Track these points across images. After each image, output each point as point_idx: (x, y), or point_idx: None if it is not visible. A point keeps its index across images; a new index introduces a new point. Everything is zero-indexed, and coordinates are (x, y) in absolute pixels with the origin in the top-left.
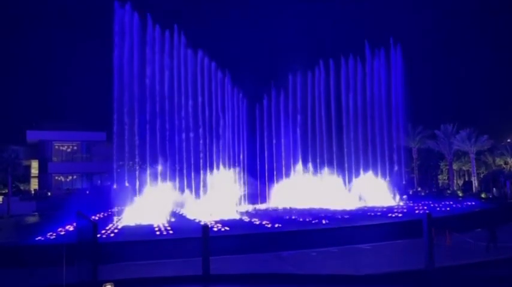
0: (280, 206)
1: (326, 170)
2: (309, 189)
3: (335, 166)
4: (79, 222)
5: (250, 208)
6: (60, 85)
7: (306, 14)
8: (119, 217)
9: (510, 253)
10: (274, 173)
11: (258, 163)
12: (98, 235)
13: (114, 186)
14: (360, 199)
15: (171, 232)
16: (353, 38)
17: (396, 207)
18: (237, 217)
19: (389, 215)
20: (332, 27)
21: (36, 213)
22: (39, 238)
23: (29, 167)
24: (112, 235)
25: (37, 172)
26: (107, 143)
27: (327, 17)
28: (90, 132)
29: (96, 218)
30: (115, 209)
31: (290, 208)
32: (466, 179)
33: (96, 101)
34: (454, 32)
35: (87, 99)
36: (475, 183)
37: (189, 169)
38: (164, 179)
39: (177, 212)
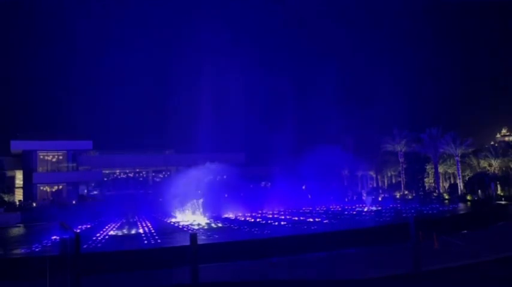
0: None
1: None
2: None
3: None
4: (63, 233)
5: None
6: (45, 93)
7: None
8: (107, 226)
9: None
10: None
11: None
12: (85, 246)
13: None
14: None
15: (159, 241)
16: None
17: None
18: (223, 224)
19: None
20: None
21: (21, 224)
22: (23, 250)
23: (13, 178)
24: (99, 245)
25: (22, 182)
26: (93, 152)
27: (307, 24)
28: (76, 141)
29: (83, 228)
30: (102, 219)
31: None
32: (452, 181)
33: (82, 109)
34: (440, 36)
35: (72, 107)
36: (461, 185)
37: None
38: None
39: (165, 220)
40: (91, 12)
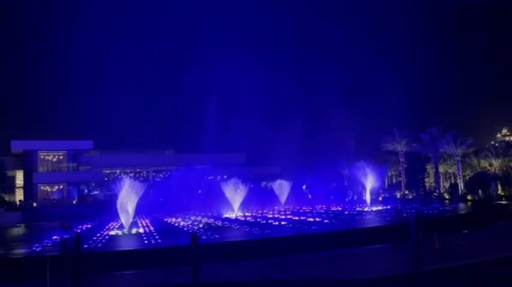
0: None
1: None
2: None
3: None
4: (63, 233)
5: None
6: (45, 93)
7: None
8: (108, 226)
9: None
10: None
11: None
12: (85, 246)
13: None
14: None
15: (159, 240)
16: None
17: None
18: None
19: None
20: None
21: (21, 224)
22: (23, 250)
23: (13, 178)
24: (99, 245)
25: (22, 182)
26: (93, 152)
27: (307, 28)
28: (76, 141)
29: (84, 228)
30: (103, 218)
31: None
32: (452, 181)
33: (82, 109)
34: (440, 36)
35: (72, 107)
36: (461, 185)
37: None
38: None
39: (166, 220)
40: (91, 11)
